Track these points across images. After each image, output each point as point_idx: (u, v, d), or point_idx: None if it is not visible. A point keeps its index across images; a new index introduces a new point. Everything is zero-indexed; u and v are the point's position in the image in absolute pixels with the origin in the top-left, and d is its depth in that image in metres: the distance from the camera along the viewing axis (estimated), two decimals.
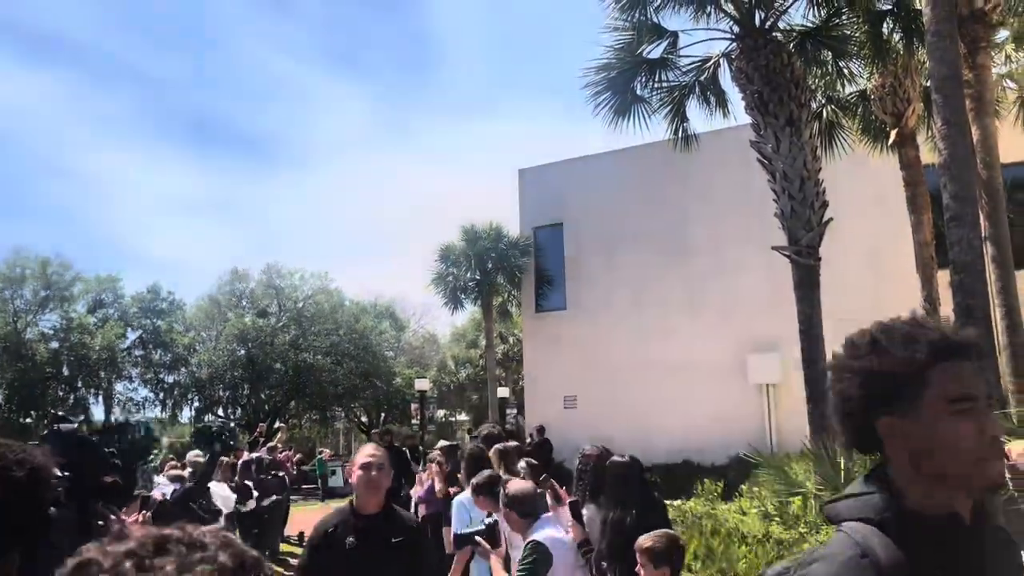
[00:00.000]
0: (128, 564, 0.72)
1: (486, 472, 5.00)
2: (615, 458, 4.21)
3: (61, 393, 32.26)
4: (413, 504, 9.46)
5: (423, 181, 71.49)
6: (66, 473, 3.33)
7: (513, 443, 7.10)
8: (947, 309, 8.18)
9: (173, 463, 9.53)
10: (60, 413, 3.68)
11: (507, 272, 22.48)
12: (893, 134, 12.60)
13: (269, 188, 71.52)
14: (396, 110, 73.40)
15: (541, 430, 16.96)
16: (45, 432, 5.06)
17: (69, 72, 60.08)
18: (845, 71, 11.99)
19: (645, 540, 3.34)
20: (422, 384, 27.26)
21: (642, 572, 3.28)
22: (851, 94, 13.33)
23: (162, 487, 6.74)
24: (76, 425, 3.67)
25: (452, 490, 7.69)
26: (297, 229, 69.01)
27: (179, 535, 0.76)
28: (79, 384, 32.57)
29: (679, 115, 12.29)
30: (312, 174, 72.28)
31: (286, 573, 10.85)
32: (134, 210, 65.82)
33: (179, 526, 0.79)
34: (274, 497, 10.91)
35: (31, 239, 76.29)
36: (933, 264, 12.27)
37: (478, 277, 23.03)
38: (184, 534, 0.77)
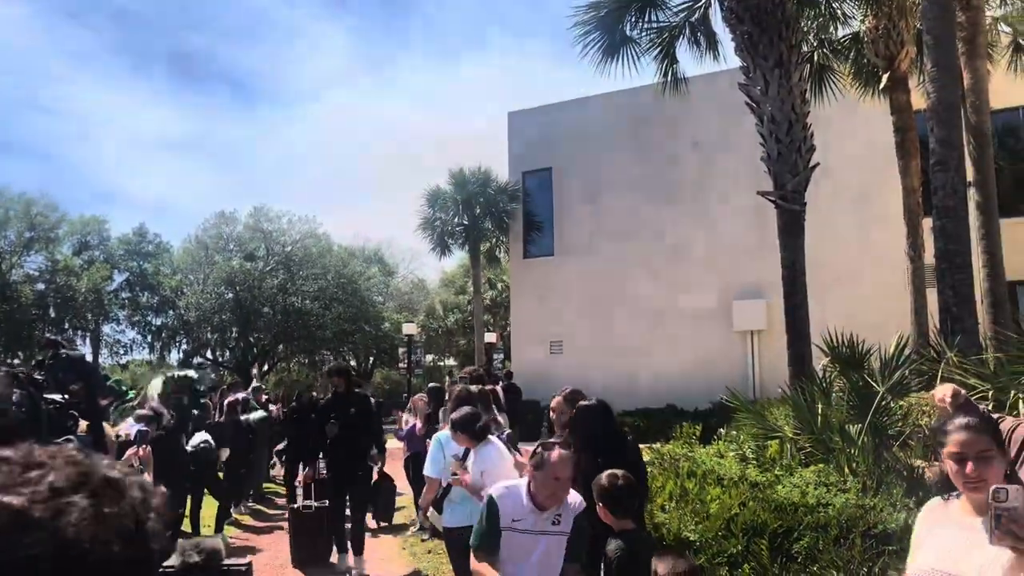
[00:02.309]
0: None
1: (466, 409, 5.04)
2: (582, 402, 4.25)
3: (48, 335, 32.22)
4: (403, 439, 9.63)
5: (410, 122, 70.45)
6: (66, 398, 3.47)
7: (489, 387, 7.37)
8: (931, 256, 8.16)
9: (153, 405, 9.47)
10: (58, 339, 3.83)
11: (495, 217, 22.35)
12: (885, 78, 12.39)
13: (251, 128, 70.49)
14: (381, 49, 72.14)
15: (509, 375, 17.30)
16: (50, 358, 5.01)
17: (44, 4, 58.45)
18: (838, 12, 11.76)
19: (600, 478, 3.46)
20: (410, 329, 27.32)
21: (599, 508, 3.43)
22: (844, 37, 13.09)
23: (130, 426, 6.72)
24: (82, 352, 3.89)
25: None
26: (281, 170, 68.23)
27: (16, 455, 0.74)
28: (66, 326, 32.55)
29: (669, 56, 12.00)
30: (295, 114, 71.28)
31: (270, 512, 10.99)
32: (115, 148, 64.83)
33: (26, 446, 0.76)
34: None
35: (11, 176, 75.24)
36: (919, 210, 12.19)
37: (466, 222, 22.90)
38: (24, 454, 0.75)
